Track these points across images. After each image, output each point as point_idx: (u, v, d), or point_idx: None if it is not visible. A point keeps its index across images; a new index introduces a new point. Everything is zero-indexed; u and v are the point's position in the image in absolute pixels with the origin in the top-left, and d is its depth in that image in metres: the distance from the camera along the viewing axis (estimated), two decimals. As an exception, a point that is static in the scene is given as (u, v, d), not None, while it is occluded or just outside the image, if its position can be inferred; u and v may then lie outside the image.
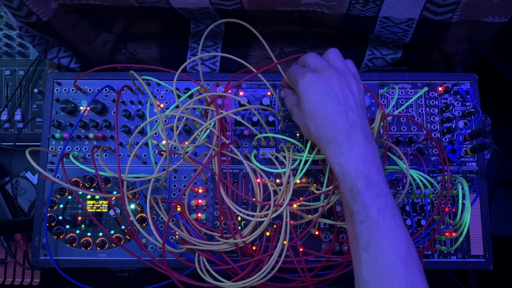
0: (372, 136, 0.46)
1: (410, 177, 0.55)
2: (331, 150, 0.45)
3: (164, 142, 0.50)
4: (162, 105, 0.62)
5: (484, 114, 0.77)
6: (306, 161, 0.54)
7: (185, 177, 0.61)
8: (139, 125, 0.59)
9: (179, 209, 0.58)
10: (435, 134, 0.61)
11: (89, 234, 0.60)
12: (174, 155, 0.61)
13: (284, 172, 0.54)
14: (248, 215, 0.53)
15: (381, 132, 0.58)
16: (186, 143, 0.61)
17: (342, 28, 0.61)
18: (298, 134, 0.61)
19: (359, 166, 0.43)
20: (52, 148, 0.61)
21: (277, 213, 0.51)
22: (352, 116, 0.46)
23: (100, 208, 0.60)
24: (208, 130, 0.55)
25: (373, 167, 0.43)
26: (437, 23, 0.55)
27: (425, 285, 0.40)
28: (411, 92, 0.62)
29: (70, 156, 0.59)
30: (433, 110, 0.62)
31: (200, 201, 0.60)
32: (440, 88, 0.62)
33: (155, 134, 0.60)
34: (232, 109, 0.63)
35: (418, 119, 0.62)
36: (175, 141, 0.50)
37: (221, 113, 0.52)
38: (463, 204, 0.53)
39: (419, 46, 0.62)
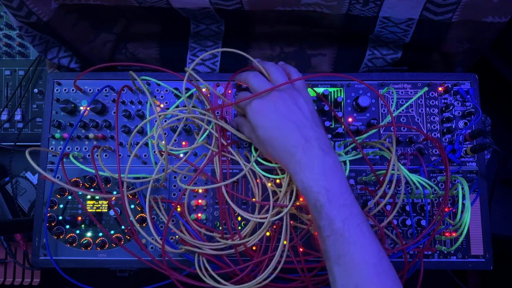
0: (330, 145, 0.47)
1: (409, 179, 0.55)
2: (292, 168, 0.46)
3: (163, 142, 0.50)
4: (162, 105, 0.62)
5: (484, 114, 0.77)
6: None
7: (185, 177, 0.61)
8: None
9: (179, 209, 0.58)
10: (435, 134, 0.61)
11: (89, 234, 0.60)
12: (174, 156, 0.61)
13: (283, 178, 0.54)
14: (249, 216, 0.53)
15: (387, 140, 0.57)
16: (184, 143, 0.61)
17: (342, 28, 0.61)
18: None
19: (320, 181, 0.43)
20: (52, 148, 0.61)
21: (279, 216, 0.51)
22: (305, 131, 0.46)
23: (100, 208, 0.60)
24: (208, 131, 0.55)
25: (335, 179, 0.44)
26: (437, 23, 0.55)
27: None
28: (411, 92, 0.62)
29: (70, 156, 0.59)
30: (433, 110, 0.62)
31: (200, 201, 0.60)
32: (440, 88, 0.62)
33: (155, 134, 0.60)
34: (232, 109, 0.62)
35: (418, 119, 0.62)
36: (175, 140, 0.50)
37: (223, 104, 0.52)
38: (463, 204, 0.53)
39: (419, 46, 0.62)
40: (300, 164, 0.45)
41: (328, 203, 0.42)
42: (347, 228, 0.41)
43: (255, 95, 0.49)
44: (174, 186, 0.61)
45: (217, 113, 0.60)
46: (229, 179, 0.58)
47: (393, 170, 0.51)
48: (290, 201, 0.53)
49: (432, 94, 0.62)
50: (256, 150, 0.57)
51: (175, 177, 0.61)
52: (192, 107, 0.59)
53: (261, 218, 0.52)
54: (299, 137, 0.46)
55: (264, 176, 0.56)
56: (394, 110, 0.61)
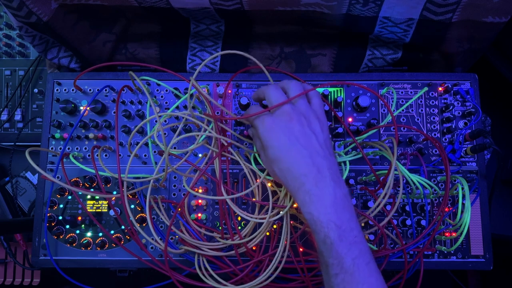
0: (340, 176, 0.45)
1: (409, 179, 0.55)
2: (301, 198, 0.44)
3: (164, 142, 0.50)
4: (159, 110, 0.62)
5: (484, 114, 0.77)
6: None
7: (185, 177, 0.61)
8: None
9: (179, 209, 0.58)
10: (435, 134, 0.61)
11: (89, 234, 0.60)
12: (174, 157, 0.61)
13: None
14: (248, 216, 0.53)
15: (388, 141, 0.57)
16: (188, 148, 0.61)
17: (342, 28, 0.61)
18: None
19: (331, 215, 0.42)
20: (52, 148, 0.61)
21: (278, 216, 0.51)
22: (317, 159, 0.44)
23: (100, 208, 0.60)
24: (207, 131, 0.55)
25: (345, 214, 0.42)
26: (437, 23, 0.55)
27: None
28: (411, 92, 0.62)
29: (70, 156, 0.59)
30: (433, 110, 0.62)
31: (200, 201, 0.60)
32: (440, 88, 0.62)
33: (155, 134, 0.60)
34: (232, 109, 0.63)
35: (418, 119, 0.62)
36: (176, 141, 0.50)
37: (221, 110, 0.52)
38: (463, 204, 0.53)
39: (419, 46, 0.62)
40: (310, 195, 0.43)
41: (339, 240, 0.41)
42: (356, 267, 0.40)
43: (268, 109, 0.46)
44: (174, 186, 0.61)
45: (217, 113, 0.60)
46: (229, 179, 0.59)
47: (396, 171, 0.51)
48: (290, 201, 0.53)
49: (432, 94, 0.62)
50: (256, 161, 0.56)
51: (175, 177, 0.61)
52: (192, 107, 0.59)
53: (260, 219, 0.52)
54: (311, 166, 0.43)
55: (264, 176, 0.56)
56: (394, 110, 0.61)
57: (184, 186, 0.53)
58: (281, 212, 0.53)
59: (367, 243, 0.44)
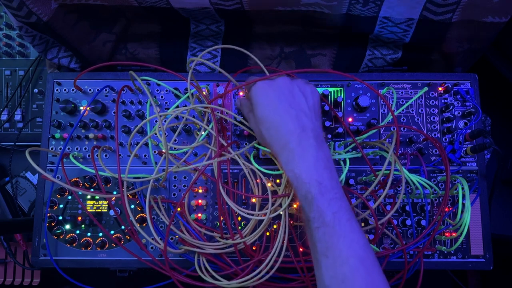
0: (324, 140, 0.47)
1: (408, 179, 0.55)
2: (284, 157, 0.46)
3: (164, 141, 0.50)
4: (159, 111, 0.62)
5: (484, 114, 0.77)
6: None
7: (185, 177, 0.61)
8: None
9: (179, 209, 0.58)
10: (435, 134, 0.61)
11: (89, 234, 0.60)
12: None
13: (283, 173, 0.54)
14: (248, 213, 0.53)
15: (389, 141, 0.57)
16: (185, 148, 0.61)
17: (342, 28, 0.61)
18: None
19: (312, 173, 0.43)
20: (52, 148, 0.61)
21: (277, 212, 0.51)
22: (303, 119, 0.46)
23: (100, 208, 0.60)
24: (207, 131, 0.55)
25: (326, 173, 0.44)
26: (437, 23, 0.55)
27: (385, 285, 0.40)
28: (411, 92, 0.62)
29: (70, 156, 0.59)
30: (433, 110, 0.62)
31: (200, 201, 0.60)
32: (440, 88, 0.62)
33: (155, 134, 0.60)
34: (232, 109, 0.63)
35: (418, 119, 0.62)
36: (175, 141, 0.50)
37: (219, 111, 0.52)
38: (463, 204, 0.53)
39: (419, 46, 0.62)
40: (293, 153, 0.45)
41: (319, 195, 0.42)
42: (337, 221, 0.41)
43: (266, 77, 0.49)
44: (174, 186, 0.61)
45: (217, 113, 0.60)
46: (229, 179, 0.58)
47: (397, 171, 0.51)
48: (289, 200, 0.53)
49: (432, 94, 0.62)
50: (256, 160, 0.56)
51: (175, 177, 0.61)
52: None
53: (260, 215, 0.52)
54: (296, 124, 0.45)
55: (264, 175, 0.56)
56: (394, 110, 0.61)
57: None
58: (282, 204, 0.52)
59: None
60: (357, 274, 0.40)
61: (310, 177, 0.43)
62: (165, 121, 0.61)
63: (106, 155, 0.62)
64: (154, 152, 0.61)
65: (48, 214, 0.59)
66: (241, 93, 0.61)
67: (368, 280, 0.40)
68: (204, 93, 0.59)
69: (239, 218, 0.60)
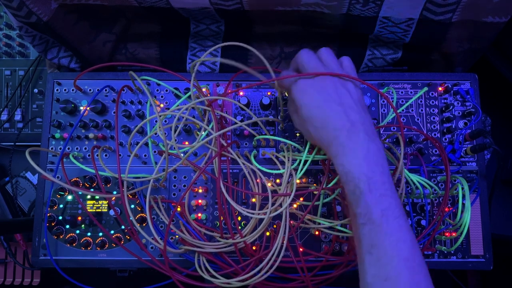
0: (375, 132, 0.45)
1: (409, 179, 0.55)
2: (334, 151, 0.44)
3: (164, 141, 0.50)
4: (162, 105, 0.62)
5: (484, 114, 0.77)
6: (305, 161, 0.54)
7: (185, 177, 0.61)
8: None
9: (179, 209, 0.58)
10: (435, 134, 0.61)
11: (89, 234, 0.60)
12: (174, 156, 0.61)
13: (283, 173, 0.54)
14: (249, 213, 0.53)
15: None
16: (186, 143, 0.61)
17: (342, 28, 0.61)
18: (298, 134, 0.61)
19: (362, 167, 0.42)
20: (52, 148, 0.61)
21: (277, 212, 0.51)
22: (352, 114, 0.45)
23: (100, 208, 0.60)
24: (207, 131, 0.55)
25: (377, 167, 0.42)
26: (437, 23, 0.55)
27: None
28: (411, 92, 0.62)
29: (70, 156, 0.59)
30: (433, 110, 0.62)
31: (200, 201, 0.60)
32: (440, 88, 0.62)
33: (155, 134, 0.60)
34: (232, 108, 0.63)
35: (418, 119, 0.62)
36: (175, 141, 0.50)
37: (220, 114, 0.52)
38: (463, 204, 0.53)
39: (419, 46, 0.62)
40: (343, 147, 0.43)
41: (368, 191, 0.41)
42: (385, 219, 0.40)
43: (303, 74, 0.47)
44: (174, 186, 0.61)
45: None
46: (229, 179, 0.59)
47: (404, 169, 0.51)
48: (290, 200, 0.53)
49: (432, 94, 0.62)
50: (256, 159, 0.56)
51: (175, 177, 0.61)
52: (192, 107, 0.59)
53: (260, 215, 0.52)
54: (345, 120, 0.44)
55: (264, 175, 0.56)
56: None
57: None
58: (282, 204, 0.52)
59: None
60: (401, 276, 0.39)
61: (359, 171, 0.42)
62: (165, 121, 0.61)
63: (106, 155, 0.62)
64: (154, 152, 0.61)
65: (48, 214, 0.59)
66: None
67: (412, 283, 0.39)
68: (203, 92, 0.59)
69: (239, 218, 0.60)
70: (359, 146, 0.43)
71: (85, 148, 0.61)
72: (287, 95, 0.53)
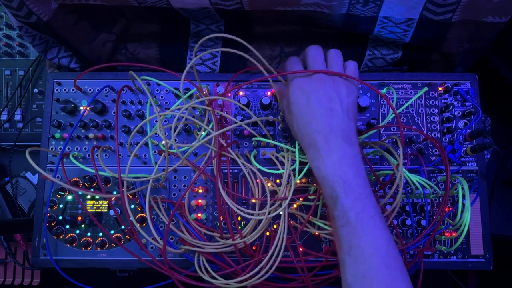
0: (355, 140, 0.47)
1: (408, 179, 0.55)
2: (311, 154, 0.46)
3: (164, 142, 0.50)
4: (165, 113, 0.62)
5: (484, 114, 0.77)
6: (306, 162, 0.54)
7: (185, 177, 0.61)
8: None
9: (179, 210, 0.58)
10: (435, 134, 0.61)
11: (89, 234, 0.60)
12: (174, 156, 0.61)
13: (283, 173, 0.54)
14: (248, 213, 0.53)
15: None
16: (186, 147, 0.61)
17: (342, 28, 0.61)
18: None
19: (336, 170, 0.44)
20: (52, 148, 0.61)
21: (277, 212, 0.51)
22: (334, 120, 0.46)
23: (100, 208, 0.60)
24: (207, 131, 0.55)
25: (351, 170, 0.44)
26: (437, 23, 0.55)
27: (407, 285, 0.41)
28: (411, 92, 0.62)
29: (70, 156, 0.59)
30: (433, 110, 0.62)
31: (200, 201, 0.60)
32: (440, 88, 0.62)
33: (155, 134, 0.60)
34: (232, 108, 0.63)
35: (418, 119, 0.62)
36: (175, 140, 0.50)
37: (220, 114, 0.52)
38: (463, 204, 0.53)
39: (419, 46, 0.62)
40: (319, 151, 0.45)
41: (343, 194, 0.42)
42: (360, 221, 0.42)
43: (305, 72, 0.49)
44: (174, 186, 0.61)
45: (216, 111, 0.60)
46: (229, 179, 0.59)
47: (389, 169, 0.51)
48: (289, 200, 0.53)
49: (432, 94, 0.62)
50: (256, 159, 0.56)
51: (175, 177, 0.61)
52: (192, 107, 0.59)
53: (260, 215, 0.52)
54: (325, 124, 0.46)
55: (263, 175, 0.56)
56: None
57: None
58: (282, 204, 0.52)
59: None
60: (377, 273, 0.40)
61: (333, 174, 0.43)
62: (165, 121, 0.61)
63: (106, 155, 0.62)
64: (154, 152, 0.61)
65: (48, 214, 0.59)
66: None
67: (388, 280, 0.40)
68: (204, 92, 0.59)
69: (239, 218, 0.60)
70: (336, 150, 0.44)
71: (85, 148, 0.61)
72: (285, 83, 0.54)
